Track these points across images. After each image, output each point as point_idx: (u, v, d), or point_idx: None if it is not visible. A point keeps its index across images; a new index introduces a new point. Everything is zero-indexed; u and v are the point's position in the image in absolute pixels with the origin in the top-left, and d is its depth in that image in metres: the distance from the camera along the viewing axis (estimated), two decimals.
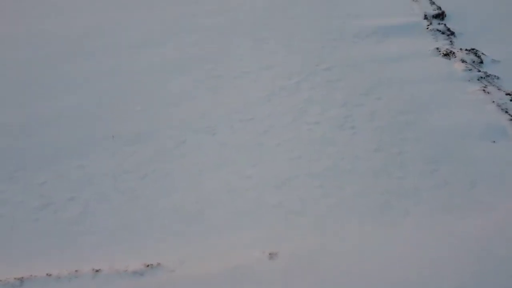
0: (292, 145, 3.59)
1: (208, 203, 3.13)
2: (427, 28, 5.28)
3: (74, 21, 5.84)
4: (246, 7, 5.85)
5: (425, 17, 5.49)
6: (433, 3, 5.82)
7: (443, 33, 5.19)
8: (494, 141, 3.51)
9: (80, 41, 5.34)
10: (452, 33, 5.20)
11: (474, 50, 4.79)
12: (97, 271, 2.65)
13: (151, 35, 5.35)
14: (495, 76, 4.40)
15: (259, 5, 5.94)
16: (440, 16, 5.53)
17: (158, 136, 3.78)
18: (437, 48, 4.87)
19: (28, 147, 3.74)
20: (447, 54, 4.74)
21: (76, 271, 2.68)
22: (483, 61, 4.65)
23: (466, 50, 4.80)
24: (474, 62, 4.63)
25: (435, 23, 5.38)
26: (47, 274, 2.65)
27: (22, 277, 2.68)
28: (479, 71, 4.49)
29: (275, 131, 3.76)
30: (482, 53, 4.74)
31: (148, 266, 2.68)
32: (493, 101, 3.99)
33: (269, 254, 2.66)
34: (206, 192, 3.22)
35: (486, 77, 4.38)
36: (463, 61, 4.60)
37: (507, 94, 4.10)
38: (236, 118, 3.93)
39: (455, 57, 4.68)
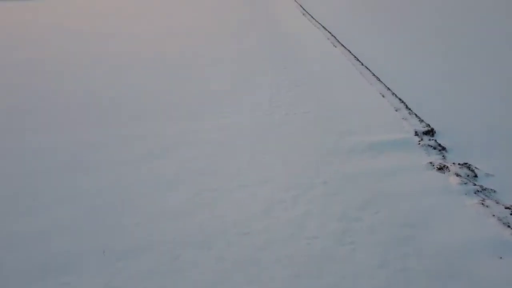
0: (291, 261, 3.45)
1: None
2: (419, 144, 5.49)
3: (73, 135, 6.04)
4: (245, 128, 6.14)
5: (416, 134, 5.75)
6: (422, 120, 6.15)
7: (434, 148, 5.38)
8: (501, 257, 3.39)
9: (78, 154, 5.47)
10: (444, 148, 5.38)
11: (467, 164, 4.90)
12: None
13: (150, 149, 5.52)
14: (491, 189, 4.43)
15: (256, 123, 6.26)
16: (430, 132, 5.79)
17: (152, 251, 3.65)
18: (431, 163, 4.99)
19: (13, 263, 3.57)
20: (441, 168, 4.84)
21: None
22: (477, 175, 4.72)
23: (459, 164, 4.92)
24: (468, 176, 4.71)
25: (426, 139, 5.62)
26: None
27: None
28: (475, 184, 4.53)
29: (273, 246, 3.65)
30: (475, 167, 4.84)
31: None
32: (493, 215, 3.95)
33: None
34: None
35: (482, 191, 4.41)
36: (457, 175, 4.68)
37: (506, 208, 4.07)
38: (233, 232, 3.84)
39: (449, 171, 4.77)
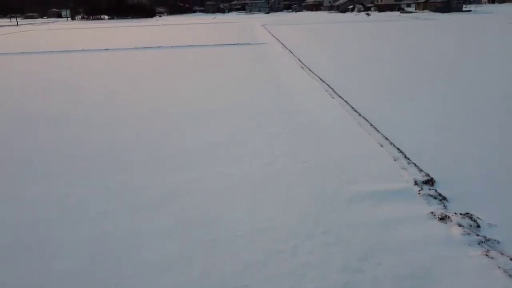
0: None
1: None
2: (419, 193, 5.45)
3: (71, 187, 6.02)
4: (244, 176, 6.14)
5: (416, 183, 5.73)
6: (421, 170, 6.16)
7: (435, 198, 5.34)
8: None
9: (77, 206, 5.41)
10: (444, 198, 5.34)
11: (469, 214, 4.84)
12: None
13: (148, 200, 5.47)
14: (495, 240, 4.34)
15: (256, 174, 6.26)
16: (430, 182, 5.77)
17: None
18: (432, 212, 4.93)
19: None
20: (442, 218, 4.78)
21: None
22: (480, 225, 4.65)
23: (461, 214, 4.86)
24: (471, 226, 4.64)
25: (426, 189, 5.59)
26: None
27: None
28: (478, 235, 4.45)
29: None
30: (478, 217, 4.78)
31: None
32: (499, 267, 3.85)
33: None
34: None
35: (486, 242, 4.32)
36: (459, 225, 4.61)
37: (511, 259, 3.98)
38: (232, 285, 3.72)
39: (451, 221, 4.70)
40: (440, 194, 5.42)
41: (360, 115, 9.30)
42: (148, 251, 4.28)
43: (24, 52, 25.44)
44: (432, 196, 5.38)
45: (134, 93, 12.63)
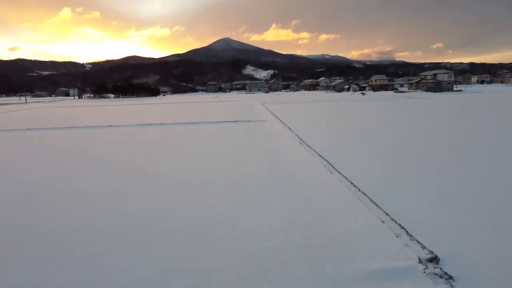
0: None
1: None
2: (424, 272, 5.27)
3: (69, 262, 5.84)
4: (244, 254, 6.00)
5: (420, 261, 5.56)
6: (425, 247, 6.00)
7: (441, 277, 5.15)
8: None
9: (77, 283, 5.22)
10: (451, 277, 5.15)
11: None
12: None
13: (146, 279, 5.29)
14: None
15: (254, 251, 6.10)
16: (434, 260, 5.60)
17: None
18: None
19: None
20: None
21: None
22: None
23: None
24: None
25: (431, 267, 5.41)
26: None
27: None
28: None
29: None
30: None
31: None
32: None
33: None
34: None
35: None
36: None
37: None
38: None
39: None
40: (446, 273, 5.23)
41: (359, 190, 9.29)
42: None
43: (30, 128, 26.12)
44: (437, 275, 5.19)
45: (128, 169, 12.73)
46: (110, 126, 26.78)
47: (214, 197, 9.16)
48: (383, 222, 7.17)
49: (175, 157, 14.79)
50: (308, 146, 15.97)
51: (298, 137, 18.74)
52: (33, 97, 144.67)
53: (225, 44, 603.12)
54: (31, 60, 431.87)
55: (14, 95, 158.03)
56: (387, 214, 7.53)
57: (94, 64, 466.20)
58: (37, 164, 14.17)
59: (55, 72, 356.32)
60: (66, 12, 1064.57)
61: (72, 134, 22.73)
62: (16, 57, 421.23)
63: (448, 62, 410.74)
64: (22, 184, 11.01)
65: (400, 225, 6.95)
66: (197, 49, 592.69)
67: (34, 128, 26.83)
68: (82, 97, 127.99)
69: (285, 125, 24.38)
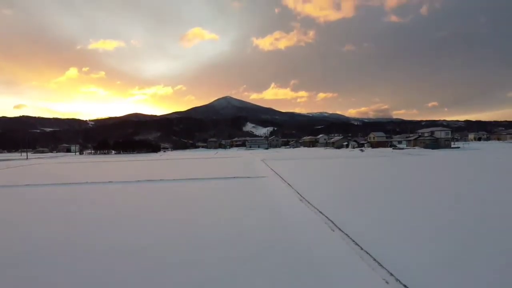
0: None
1: None
2: None
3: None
4: None
5: None
6: None
7: None
8: None
9: None
10: None
11: None
12: None
13: None
14: None
15: None
16: None
17: None
18: None
19: None
20: None
21: None
22: None
23: None
24: None
25: None
26: None
27: None
28: None
29: None
30: None
31: None
32: None
33: None
34: None
35: None
36: None
37: None
38: None
39: None
40: None
41: (362, 248, 9.10)
42: None
43: (29, 185, 26.05)
44: None
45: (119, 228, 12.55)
46: (110, 182, 26.74)
47: (207, 257, 8.95)
48: (387, 282, 6.97)
49: (168, 214, 14.64)
50: (309, 202, 15.86)
51: (298, 193, 18.66)
52: (34, 152, 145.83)
53: (226, 102, 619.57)
54: (35, 117, 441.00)
55: (15, 151, 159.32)
56: (391, 274, 7.33)
57: (96, 121, 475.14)
58: (17, 221, 13.97)
59: (58, 129, 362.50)
60: (73, 71, 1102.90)
61: (63, 191, 22.64)
62: (21, 114, 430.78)
63: (444, 120, 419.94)
64: None
65: (405, 286, 6.74)
66: (198, 106, 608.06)
67: (18, 185, 26.75)
68: (83, 153, 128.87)
69: (285, 181, 24.35)
